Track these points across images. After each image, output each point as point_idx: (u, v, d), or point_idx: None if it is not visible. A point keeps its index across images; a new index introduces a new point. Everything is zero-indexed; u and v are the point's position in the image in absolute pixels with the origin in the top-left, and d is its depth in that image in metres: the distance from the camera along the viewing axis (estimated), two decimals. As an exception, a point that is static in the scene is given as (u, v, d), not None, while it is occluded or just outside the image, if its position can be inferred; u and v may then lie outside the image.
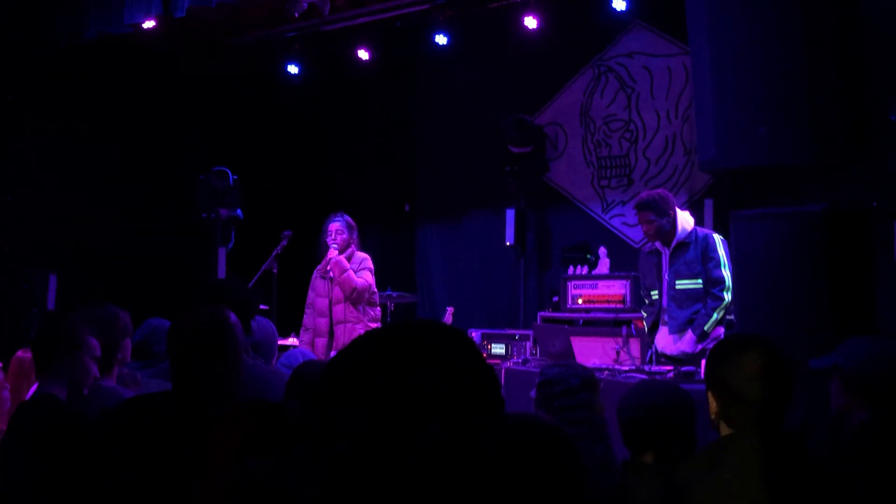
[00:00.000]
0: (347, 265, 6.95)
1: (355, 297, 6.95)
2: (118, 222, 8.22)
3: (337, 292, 6.98)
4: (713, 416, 2.63)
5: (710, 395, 2.63)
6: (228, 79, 9.32)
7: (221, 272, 7.83)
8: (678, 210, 5.97)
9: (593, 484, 2.40)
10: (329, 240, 7.02)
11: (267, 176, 8.83)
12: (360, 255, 7.09)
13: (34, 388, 4.16)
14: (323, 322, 7.01)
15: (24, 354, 4.77)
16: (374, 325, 7.05)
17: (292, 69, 9.45)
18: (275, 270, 7.45)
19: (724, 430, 2.61)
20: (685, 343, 5.80)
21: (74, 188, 8.03)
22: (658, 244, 6.03)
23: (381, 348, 1.19)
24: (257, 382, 3.35)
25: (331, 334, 6.97)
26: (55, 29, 7.18)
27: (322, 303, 7.03)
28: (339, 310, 6.98)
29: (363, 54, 9.16)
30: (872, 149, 3.77)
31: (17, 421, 3.25)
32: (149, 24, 7.15)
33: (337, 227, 7.05)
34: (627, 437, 2.97)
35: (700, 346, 5.69)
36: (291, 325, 7.49)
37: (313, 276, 7.19)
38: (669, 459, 2.83)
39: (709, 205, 7.73)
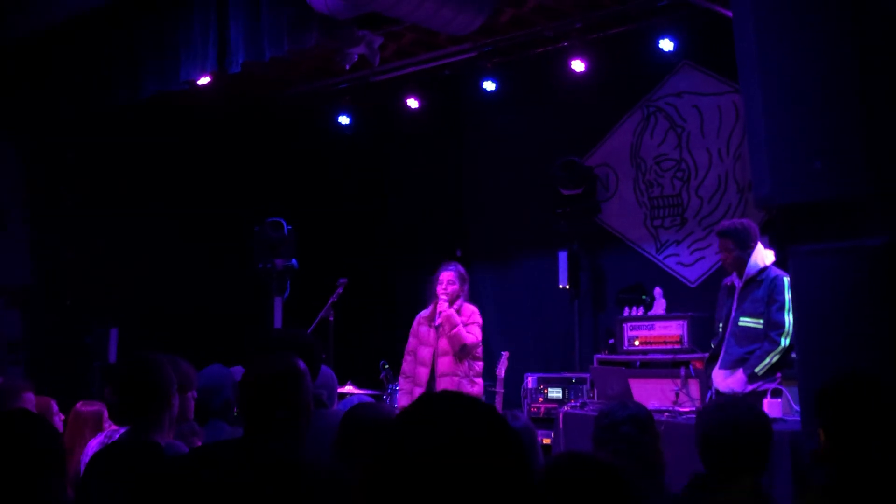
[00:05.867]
0: (458, 320, 6.81)
1: (463, 353, 6.82)
2: (176, 275, 8.37)
3: (443, 344, 6.84)
4: (821, 452, 2.76)
5: (820, 431, 2.76)
6: (281, 130, 9.48)
7: (278, 322, 7.89)
8: (760, 245, 5.86)
9: None
10: (440, 289, 6.89)
11: (321, 225, 8.93)
12: (470, 307, 6.96)
13: (98, 438, 4.21)
14: (423, 372, 6.89)
15: (83, 407, 4.84)
16: (477, 381, 6.93)
17: (343, 120, 9.60)
18: (331, 318, 7.51)
19: (831, 463, 2.73)
20: (735, 381, 5.65)
21: (133, 242, 8.20)
22: (735, 278, 5.94)
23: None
24: (323, 430, 3.34)
25: (430, 385, 6.81)
26: (113, 88, 7.36)
27: (425, 352, 6.91)
28: (444, 362, 6.82)
29: (412, 103, 9.28)
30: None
31: (113, 465, 3.19)
32: (204, 80, 7.29)
33: (449, 278, 6.92)
34: (705, 453, 3.10)
35: (751, 388, 5.51)
36: (348, 372, 7.50)
37: (416, 322, 7.10)
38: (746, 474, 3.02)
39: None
